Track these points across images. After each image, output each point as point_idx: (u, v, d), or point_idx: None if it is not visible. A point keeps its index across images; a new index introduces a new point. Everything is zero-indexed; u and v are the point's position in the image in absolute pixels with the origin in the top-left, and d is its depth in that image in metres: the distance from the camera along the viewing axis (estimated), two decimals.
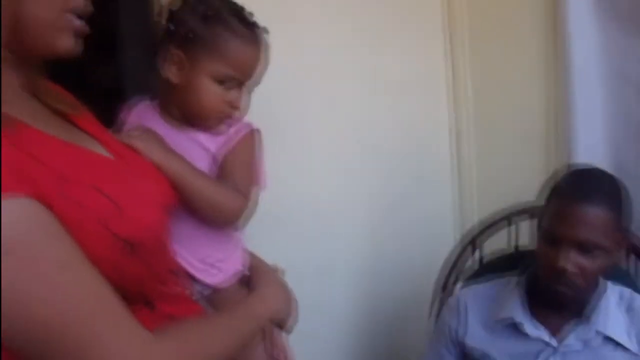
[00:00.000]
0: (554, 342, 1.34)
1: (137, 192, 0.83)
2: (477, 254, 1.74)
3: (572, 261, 1.26)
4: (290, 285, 1.62)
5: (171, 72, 1.05)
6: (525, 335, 1.37)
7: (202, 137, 1.08)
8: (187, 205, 1.01)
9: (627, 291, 1.39)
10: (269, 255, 1.63)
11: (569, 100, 1.81)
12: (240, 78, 1.06)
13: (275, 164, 1.69)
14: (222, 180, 1.06)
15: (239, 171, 1.08)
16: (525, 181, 1.83)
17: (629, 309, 1.36)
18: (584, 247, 1.26)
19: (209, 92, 1.04)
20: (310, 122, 1.80)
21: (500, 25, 2.00)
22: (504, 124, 2.05)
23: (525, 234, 1.71)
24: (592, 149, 1.82)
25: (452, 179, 2.14)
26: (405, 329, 1.89)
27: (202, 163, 1.06)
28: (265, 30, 1.10)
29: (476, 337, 1.44)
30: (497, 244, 1.75)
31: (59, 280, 0.67)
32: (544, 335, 1.35)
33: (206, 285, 1.08)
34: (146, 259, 0.81)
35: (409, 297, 1.97)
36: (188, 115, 1.07)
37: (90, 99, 0.94)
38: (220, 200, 1.03)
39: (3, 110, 0.70)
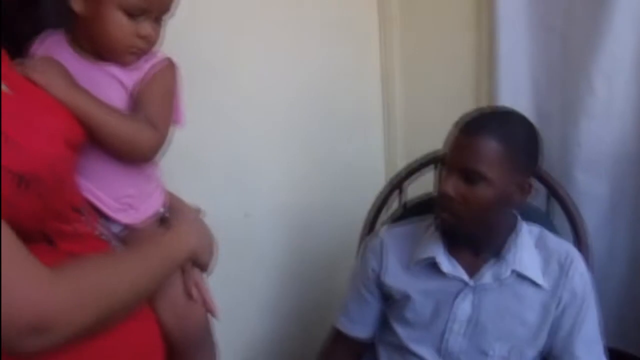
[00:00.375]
0: (469, 280, 1.37)
1: (34, 126, 0.79)
2: (402, 198, 1.75)
3: (453, 187, 1.28)
4: (213, 229, 1.61)
5: (76, 3, 0.98)
6: (444, 274, 1.39)
7: (118, 71, 1.03)
8: (98, 142, 0.96)
9: (538, 229, 1.42)
10: (189, 198, 1.61)
11: (496, 49, 1.87)
12: (152, 10, 1.00)
13: (199, 106, 1.67)
14: (136, 114, 1.01)
15: (154, 105, 1.02)
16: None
17: (543, 247, 1.39)
18: (468, 176, 1.27)
19: (118, 25, 0.97)
20: (237, 65, 1.76)
21: None
22: (433, 71, 2.08)
23: None
24: (516, 96, 1.89)
25: (381, 125, 2.15)
26: (333, 275, 1.89)
27: (118, 99, 1.01)
28: None
29: (396, 277, 1.45)
30: (425, 188, 1.75)
31: None
32: (462, 273, 1.37)
33: (122, 225, 1.04)
34: (44, 195, 0.77)
35: (337, 242, 1.99)
36: (98, 48, 1.01)
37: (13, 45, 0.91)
38: (132, 135, 0.98)
39: None
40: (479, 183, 1.27)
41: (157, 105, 1.03)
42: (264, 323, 1.97)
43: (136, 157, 1.03)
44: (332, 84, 2.00)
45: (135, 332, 0.89)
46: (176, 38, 1.50)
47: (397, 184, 1.75)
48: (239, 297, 1.84)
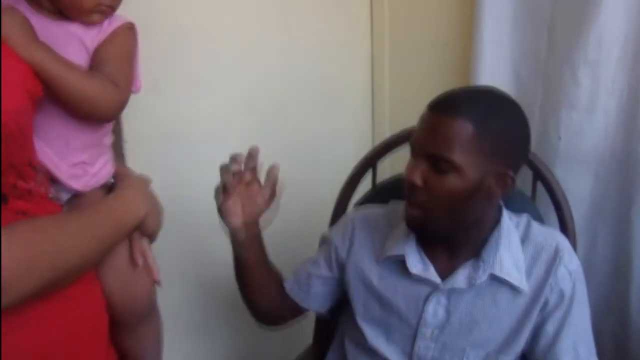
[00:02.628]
0: (441, 283, 1.23)
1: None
2: (376, 178, 1.68)
3: (420, 174, 1.12)
4: (189, 200, 1.51)
5: None
6: (411, 273, 1.24)
7: (80, 31, 1.00)
8: (57, 100, 0.94)
9: (524, 221, 1.28)
10: (163, 171, 1.52)
11: (479, 34, 1.81)
12: None
13: (177, 75, 1.58)
14: (97, 72, 0.98)
15: (115, 63, 1.00)
16: None
17: (529, 242, 1.24)
18: (436, 164, 1.11)
19: None
20: (218, 32, 1.68)
21: None
22: (421, 51, 2.05)
23: None
24: (496, 83, 1.79)
25: (369, 103, 2.13)
26: (302, 253, 1.79)
27: (80, 58, 0.99)
28: None
29: (362, 268, 1.33)
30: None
31: None
32: (433, 275, 1.23)
33: (71, 190, 1.03)
34: (6, 146, 0.76)
35: (310, 221, 1.91)
36: (64, 7, 0.98)
37: None
38: (93, 93, 0.96)
39: None
40: (449, 173, 1.10)
41: (118, 64, 1.01)
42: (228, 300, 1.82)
43: (96, 115, 1.01)
44: (318, 58, 1.94)
45: (81, 298, 0.89)
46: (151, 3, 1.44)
47: (370, 161, 1.65)
48: (204, 272, 1.76)
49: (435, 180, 1.12)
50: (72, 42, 0.99)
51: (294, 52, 1.87)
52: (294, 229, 1.96)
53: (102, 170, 1.07)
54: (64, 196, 1.03)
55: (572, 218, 1.47)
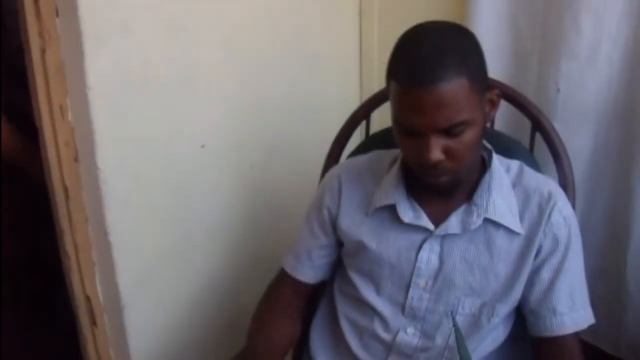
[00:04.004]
0: (434, 230, 1.18)
1: None
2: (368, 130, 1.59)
3: (438, 149, 1.05)
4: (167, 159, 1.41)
5: None
6: (402, 221, 1.19)
7: None
8: None
9: (516, 166, 1.23)
10: (137, 129, 1.41)
11: None
12: None
13: (152, 21, 1.47)
14: None
15: None
16: None
17: (521, 187, 1.19)
18: (448, 131, 1.04)
19: None
20: None
21: None
22: (411, 4, 1.93)
23: None
24: (492, 33, 1.70)
25: (357, 59, 2.03)
26: (294, 213, 1.71)
27: None
28: None
29: (352, 221, 1.26)
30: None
31: None
32: (426, 222, 1.18)
33: None
34: None
35: (301, 179, 1.81)
36: None
37: None
38: None
39: None
40: (464, 131, 1.04)
41: None
42: (218, 264, 1.81)
43: None
44: (306, 13, 1.85)
45: None
46: None
47: (362, 115, 1.57)
48: (192, 233, 1.70)
49: (454, 144, 1.06)
50: None
51: (276, 1, 1.76)
52: (284, 185, 1.89)
53: None
54: None
55: (571, 171, 1.38)
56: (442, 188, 1.14)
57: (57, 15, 1.40)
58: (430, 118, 1.02)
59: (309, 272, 1.34)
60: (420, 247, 1.20)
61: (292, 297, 1.35)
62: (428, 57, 1.02)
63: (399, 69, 1.05)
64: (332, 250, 1.33)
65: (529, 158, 1.37)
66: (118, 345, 1.65)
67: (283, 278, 1.36)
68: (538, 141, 1.44)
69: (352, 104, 1.96)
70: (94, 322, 1.64)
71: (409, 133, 1.07)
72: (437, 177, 1.10)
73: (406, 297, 1.22)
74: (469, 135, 1.06)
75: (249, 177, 1.80)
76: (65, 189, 1.52)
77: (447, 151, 1.06)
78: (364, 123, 1.58)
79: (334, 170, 1.35)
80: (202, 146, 1.65)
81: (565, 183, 1.36)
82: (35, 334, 2.08)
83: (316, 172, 1.56)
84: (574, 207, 1.31)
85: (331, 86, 1.99)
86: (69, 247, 1.59)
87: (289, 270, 1.35)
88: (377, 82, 2.05)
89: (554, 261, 1.17)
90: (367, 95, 1.98)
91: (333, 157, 1.56)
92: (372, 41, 2.05)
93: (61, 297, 1.75)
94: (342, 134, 1.57)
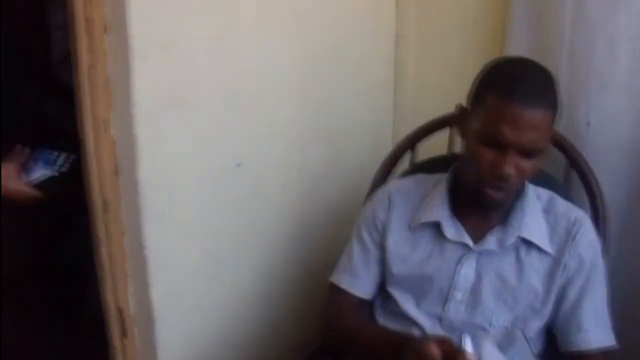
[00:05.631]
0: (473, 246, 1.28)
1: None
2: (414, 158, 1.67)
3: (512, 165, 1.16)
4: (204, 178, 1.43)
5: None
6: (447, 239, 1.30)
7: None
8: None
9: (547, 194, 1.33)
10: (176, 145, 1.44)
11: (513, 7, 1.68)
12: None
13: (193, 42, 1.50)
14: None
15: None
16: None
17: (551, 213, 1.30)
18: (527, 151, 1.16)
19: None
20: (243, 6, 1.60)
21: None
22: (446, 31, 1.96)
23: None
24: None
25: (392, 84, 2.05)
26: (337, 235, 1.74)
27: None
28: None
29: (397, 236, 1.35)
30: (438, 151, 1.68)
31: None
32: (466, 238, 1.29)
33: None
34: None
35: (340, 203, 1.90)
36: None
37: None
38: None
39: None
40: (536, 156, 1.17)
41: None
42: (249, 281, 1.83)
43: None
44: (343, 35, 1.86)
45: None
46: None
47: (409, 144, 1.66)
48: (225, 249, 1.72)
49: (524, 165, 1.17)
50: None
51: (313, 23, 1.79)
52: (318, 207, 1.92)
53: None
54: None
55: (604, 204, 1.40)
56: (495, 203, 1.23)
57: (106, 31, 1.44)
58: (521, 135, 1.13)
59: (366, 286, 1.40)
60: (459, 262, 1.29)
61: (354, 313, 1.39)
62: (537, 83, 1.17)
63: (504, 84, 1.17)
64: (382, 265, 1.38)
65: (564, 193, 1.40)
66: (147, 358, 1.66)
67: (341, 295, 1.40)
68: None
69: (386, 128, 2.00)
70: (124, 334, 1.66)
71: (491, 144, 1.16)
72: (499, 191, 1.20)
73: (444, 310, 1.30)
74: (537, 161, 1.19)
75: (282, 197, 1.82)
76: (104, 202, 1.55)
77: (517, 169, 1.16)
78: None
79: (385, 188, 1.43)
80: (238, 165, 1.67)
81: (599, 217, 1.40)
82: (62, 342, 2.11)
83: (356, 193, 1.59)
84: (608, 238, 1.33)
85: (364, 109, 2.00)
86: (104, 258, 1.61)
87: (345, 286, 1.40)
88: (411, 107, 2.07)
89: (579, 281, 1.26)
90: (400, 119, 2.04)
91: (376, 186, 1.61)
92: (408, 64, 2.08)
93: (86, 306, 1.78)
94: (389, 162, 1.67)
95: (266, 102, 1.71)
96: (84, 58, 1.45)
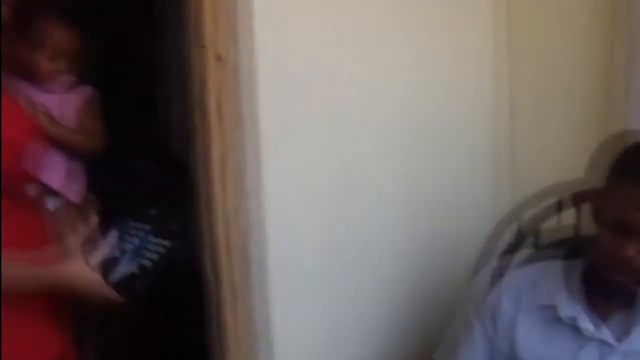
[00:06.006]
0: (617, 344, 1.18)
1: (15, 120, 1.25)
2: (531, 239, 1.60)
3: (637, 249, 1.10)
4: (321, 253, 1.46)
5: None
6: (584, 335, 1.20)
7: (57, 97, 1.73)
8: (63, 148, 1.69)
9: None
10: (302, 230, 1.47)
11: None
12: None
13: (306, 119, 1.55)
14: (79, 127, 1.75)
15: (88, 119, 1.79)
16: (571, 157, 1.63)
17: None
18: None
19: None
20: (343, 79, 1.63)
21: None
22: (548, 100, 1.89)
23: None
24: None
25: (491, 154, 1.98)
26: (437, 311, 1.73)
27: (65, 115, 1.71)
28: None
29: (528, 332, 1.26)
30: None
31: None
32: (606, 336, 1.18)
33: (63, 198, 1.69)
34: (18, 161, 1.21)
35: (443, 276, 1.83)
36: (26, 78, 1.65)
37: None
38: (83, 144, 1.75)
39: None
40: None
41: (89, 119, 1.80)
42: None
43: (87, 154, 1.78)
44: (441, 107, 1.84)
45: None
46: (272, 54, 1.48)
47: (516, 215, 1.61)
48: (349, 329, 1.71)
49: None
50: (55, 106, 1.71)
51: (415, 96, 1.79)
52: (427, 283, 1.88)
53: (75, 190, 1.74)
54: (51, 205, 1.64)
55: None
56: (626, 290, 1.15)
57: (237, 124, 1.50)
58: None
59: None
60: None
61: None
62: None
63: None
64: (491, 349, 1.32)
65: None
66: None
67: None
68: None
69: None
70: None
71: (628, 232, 1.10)
72: (625, 275, 1.12)
73: None
74: None
75: (405, 273, 1.81)
76: (234, 289, 1.57)
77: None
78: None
79: (511, 277, 1.35)
80: (361, 247, 1.68)
81: None
82: None
83: (458, 266, 1.60)
84: None
85: (468, 181, 1.98)
86: (231, 342, 1.63)
87: None
88: (524, 182, 2.01)
89: None
90: (511, 193, 1.99)
91: (483, 257, 1.56)
92: (506, 136, 2.03)
93: None
94: (494, 235, 1.62)
95: (387, 183, 1.72)
96: (216, 149, 1.51)
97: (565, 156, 1.76)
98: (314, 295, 1.63)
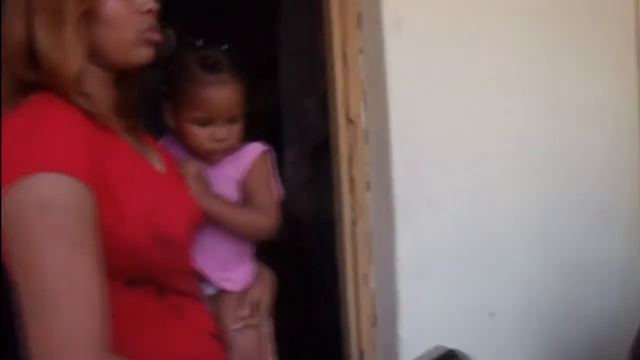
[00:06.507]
0: None
1: (176, 202, 1.01)
2: None
3: None
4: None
5: (167, 120, 1.19)
6: None
7: (229, 169, 1.23)
8: (227, 230, 1.19)
9: None
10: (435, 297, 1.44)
11: None
12: (217, 118, 1.16)
13: (446, 185, 1.52)
14: (249, 204, 1.22)
15: (261, 193, 1.23)
16: None
17: None
18: None
19: (193, 134, 1.17)
20: (480, 141, 1.60)
21: None
22: None
23: None
24: None
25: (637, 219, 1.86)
26: None
27: (231, 190, 1.22)
28: (233, 71, 1.16)
29: None
30: None
31: (65, 252, 0.80)
32: None
33: (221, 289, 1.21)
34: (172, 255, 0.95)
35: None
36: (192, 154, 1.20)
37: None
38: (253, 226, 1.22)
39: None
40: None
41: (264, 193, 1.24)
42: None
43: (255, 238, 1.26)
44: (583, 170, 1.77)
45: None
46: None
47: None
48: None
49: None
50: (225, 179, 1.22)
51: (556, 155, 1.73)
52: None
53: (246, 275, 1.25)
54: (210, 292, 1.21)
55: None
56: None
57: (368, 189, 1.50)
58: None
59: None
60: None
61: None
62: None
63: None
64: None
65: None
66: None
67: None
68: None
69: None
70: None
71: None
72: None
73: None
74: None
75: (538, 345, 1.73)
76: (361, 353, 1.56)
77: None
78: None
79: None
80: (491, 314, 1.62)
81: None
82: None
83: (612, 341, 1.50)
84: None
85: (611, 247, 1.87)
86: None
87: None
88: None
89: None
90: None
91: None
92: None
93: None
94: None
95: (518, 251, 1.66)
96: (347, 215, 1.51)
97: None
98: None
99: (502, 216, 1.62)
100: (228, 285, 1.22)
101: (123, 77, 0.99)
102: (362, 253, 1.51)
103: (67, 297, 0.79)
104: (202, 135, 1.18)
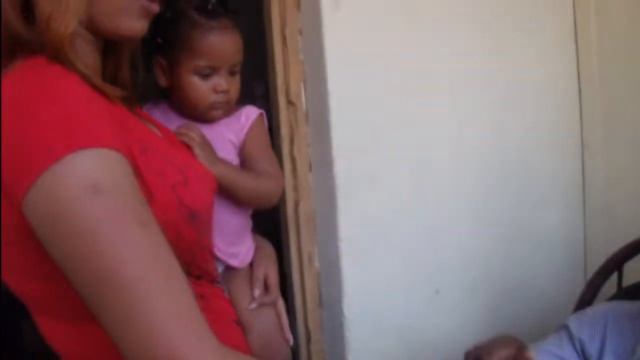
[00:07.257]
0: None
1: (194, 172, 0.90)
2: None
3: None
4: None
5: (160, 78, 1.12)
6: None
7: (225, 130, 1.16)
8: (234, 199, 1.11)
9: None
10: (379, 274, 1.45)
11: None
12: (220, 66, 1.10)
13: (387, 164, 1.53)
14: (253, 168, 1.15)
15: (263, 157, 1.18)
16: None
17: None
18: None
19: (194, 87, 1.10)
20: (421, 120, 1.61)
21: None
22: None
23: None
24: None
25: (581, 195, 1.91)
26: None
27: (231, 154, 1.15)
28: (232, 14, 1.11)
29: None
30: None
31: (137, 234, 0.68)
32: None
33: (229, 266, 1.15)
34: (199, 230, 0.85)
35: (536, 328, 1.73)
36: (189, 112, 1.13)
37: None
38: (263, 190, 1.15)
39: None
40: None
41: (265, 155, 1.18)
42: None
43: (264, 205, 1.19)
44: (529, 149, 1.81)
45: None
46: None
47: (617, 264, 1.50)
48: None
49: None
50: (223, 143, 1.14)
51: (500, 134, 1.76)
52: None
53: (249, 250, 1.19)
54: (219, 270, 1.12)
55: None
56: None
57: (310, 170, 1.50)
58: None
59: None
60: None
61: None
62: None
63: None
64: None
65: None
66: None
67: None
68: None
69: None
70: None
71: None
72: None
73: None
74: None
75: (483, 321, 1.75)
76: (308, 333, 1.56)
77: None
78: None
79: (603, 310, 1.28)
80: (436, 291, 1.64)
81: None
82: None
83: (552, 317, 1.51)
84: None
85: (558, 225, 1.91)
86: None
87: None
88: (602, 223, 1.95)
89: None
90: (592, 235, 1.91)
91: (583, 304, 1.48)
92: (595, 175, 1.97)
93: None
94: (593, 284, 1.50)
95: (462, 227, 1.68)
96: (290, 196, 1.50)
97: None
98: (391, 340, 1.59)
99: (444, 192, 1.64)
100: (235, 262, 1.15)
101: (113, 48, 0.87)
102: (305, 234, 1.51)
103: (157, 282, 0.68)
104: (204, 87, 1.10)
